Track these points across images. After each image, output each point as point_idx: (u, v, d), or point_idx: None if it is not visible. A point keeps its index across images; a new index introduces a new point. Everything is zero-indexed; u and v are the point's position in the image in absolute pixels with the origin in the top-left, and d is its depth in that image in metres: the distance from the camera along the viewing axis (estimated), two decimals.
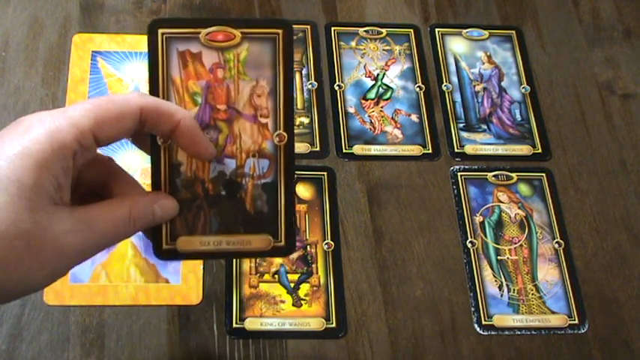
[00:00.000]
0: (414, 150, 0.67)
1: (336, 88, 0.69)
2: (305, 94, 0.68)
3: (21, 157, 0.34)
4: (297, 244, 0.61)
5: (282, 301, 0.59)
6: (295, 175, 0.44)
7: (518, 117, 0.70)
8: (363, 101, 0.69)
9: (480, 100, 0.70)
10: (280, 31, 0.41)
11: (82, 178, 0.39)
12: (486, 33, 0.74)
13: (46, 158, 0.34)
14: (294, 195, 0.43)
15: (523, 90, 0.71)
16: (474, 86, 0.71)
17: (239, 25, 0.41)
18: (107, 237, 0.37)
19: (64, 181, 0.36)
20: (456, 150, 0.67)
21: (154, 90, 0.40)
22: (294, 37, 0.71)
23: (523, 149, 0.68)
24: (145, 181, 0.62)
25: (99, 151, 0.39)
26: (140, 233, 0.40)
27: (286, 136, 0.42)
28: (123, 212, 0.38)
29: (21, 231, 0.33)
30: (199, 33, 0.40)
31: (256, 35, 0.41)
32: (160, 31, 0.40)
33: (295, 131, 0.66)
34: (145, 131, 0.39)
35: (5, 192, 0.33)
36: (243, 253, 0.43)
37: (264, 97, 0.41)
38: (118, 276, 0.58)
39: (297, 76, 0.70)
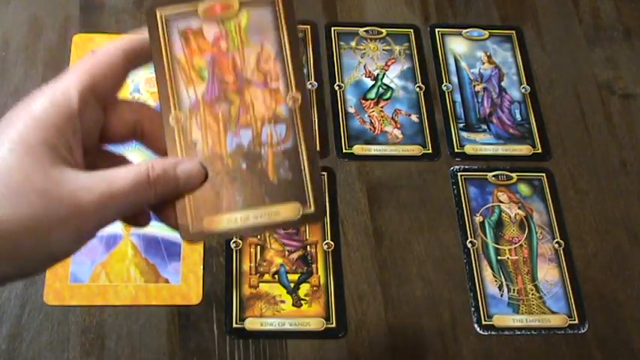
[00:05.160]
0: (414, 150, 0.67)
1: (336, 88, 0.69)
2: None
3: (25, 120, 0.34)
4: (297, 243, 0.61)
5: (282, 301, 0.59)
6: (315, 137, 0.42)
7: (518, 117, 0.70)
8: (363, 101, 0.69)
9: (479, 100, 0.70)
10: None
11: (93, 167, 0.38)
12: (486, 33, 0.74)
13: (51, 119, 0.35)
14: (318, 156, 0.41)
15: (523, 90, 0.71)
16: (474, 86, 0.71)
17: None
18: (127, 198, 0.36)
19: (74, 142, 0.36)
20: (456, 150, 0.67)
21: (159, 72, 0.40)
22: None
23: (523, 149, 0.68)
24: None
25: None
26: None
27: (300, 96, 0.40)
28: (141, 171, 0.37)
29: (35, 186, 0.33)
30: (197, 8, 0.40)
31: (254, 0, 0.40)
32: (159, 13, 0.40)
33: None
34: (137, 67, 0.39)
35: (13, 153, 0.33)
36: (273, 225, 0.41)
37: (271, 61, 0.40)
38: (118, 276, 0.58)
39: None
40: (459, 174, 0.66)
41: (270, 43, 0.40)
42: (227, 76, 0.40)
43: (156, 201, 0.37)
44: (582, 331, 0.60)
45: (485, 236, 0.63)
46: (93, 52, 0.38)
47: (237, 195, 0.40)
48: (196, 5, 0.40)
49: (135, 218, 0.39)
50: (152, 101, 0.66)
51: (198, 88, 0.40)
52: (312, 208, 0.41)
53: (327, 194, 0.63)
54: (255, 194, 0.40)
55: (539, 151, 0.68)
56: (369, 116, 0.68)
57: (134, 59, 0.39)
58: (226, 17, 0.40)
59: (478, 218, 0.64)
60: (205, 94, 0.40)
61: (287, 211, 0.40)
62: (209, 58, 0.40)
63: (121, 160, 0.41)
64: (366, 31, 0.73)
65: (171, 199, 0.39)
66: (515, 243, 0.63)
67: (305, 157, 0.40)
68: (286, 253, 0.60)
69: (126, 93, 0.66)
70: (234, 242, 0.60)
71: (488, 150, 0.68)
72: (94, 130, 0.38)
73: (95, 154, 0.38)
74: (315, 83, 0.69)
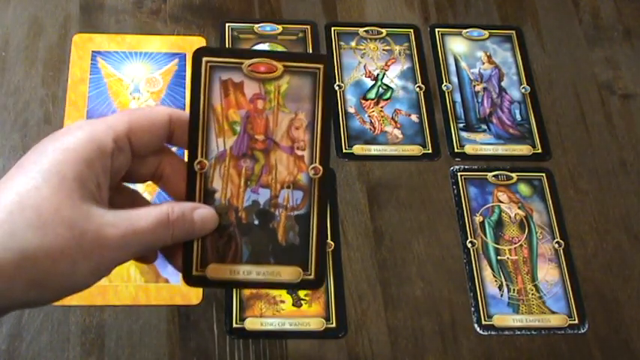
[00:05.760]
0: (414, 150, 0.67)
1: (336, 88, 0.69)
2: None
3: (61, 151, 0.35)
4: None
5: (282, 301, 0.59)
6: (328, 208, 0.44)
7: (518, 117, 0.70)
8: (363, 101, 0.69)
9: (480, 100, 0.70)
10: (321, 66, 0.42)
11: (111, 202, 0.39)
12: (486, 33, 0.74)
13: (86, 154, 0.36)
14: (327, 228, 0.44)
15: (523, 90, 0.71)
16: (474, 86, 0.71)
17: (282, 58, 0.42)
18: (147, 237, 0.38)
19: (103, 180, 0.37)
20: (456, 150, 0.67)
21: (194, 117, 0.41)
22: (295, 38, 0.71)
23: (523, 149, 0.68)
24: None
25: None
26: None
27: (322, 169, 0.42)
28: (162, 212, 0.38)
29: (64, 219, 0.34)
30: (242, 63, 0.41)
31: (298, 69, 0.42)
32: (205, 59, 0.41)
33: None
34: (174, 143, 0.41)
35: (47, 184, 0.34)
36: (272, 284, 0.43)
37: (301, 130, 0.42)
38: (118, 276, 0.58)
39: None
40: (459, 174, 0.66)
41: (304, 113, 0.42)
42: (257, 135, 0.42)
43: (172, 242, 0.39)
44: (582, 331, 0.60)
45: (485, 236, 0.63)
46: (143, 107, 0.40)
47: (244, 249, 0.42)
48: (242, 61, 0.41)
49: (145, 256, 0.41)
50: (152, 101, 0.66)
51: (227, 140, 0.42)
52: (312, 276, 0.43)
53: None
54: (262, 251, 0.42)
55: (539, 151, 0.68)
56: (369, 116, 0.68)
57: (177, 128, 0.40)
58: (268, 79, 0.42)
59: (478, 218, 0.64)
60: (233, 148, 0.42)
61: (288, 273, 0.42)
62: (244, 114, 0.42)
63: (135, 196, 0.42)
64: (366, 31, 0.73)
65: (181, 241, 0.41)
66: (515, 243, 0.63)
67: (315, 227, 0.42)
68: None
69: (126, 93, 0.66)
70: None
71: (489, 150, 0.68)
72: (121, 172, 0.39)
73: (114, 190, 0.40)
74: None
